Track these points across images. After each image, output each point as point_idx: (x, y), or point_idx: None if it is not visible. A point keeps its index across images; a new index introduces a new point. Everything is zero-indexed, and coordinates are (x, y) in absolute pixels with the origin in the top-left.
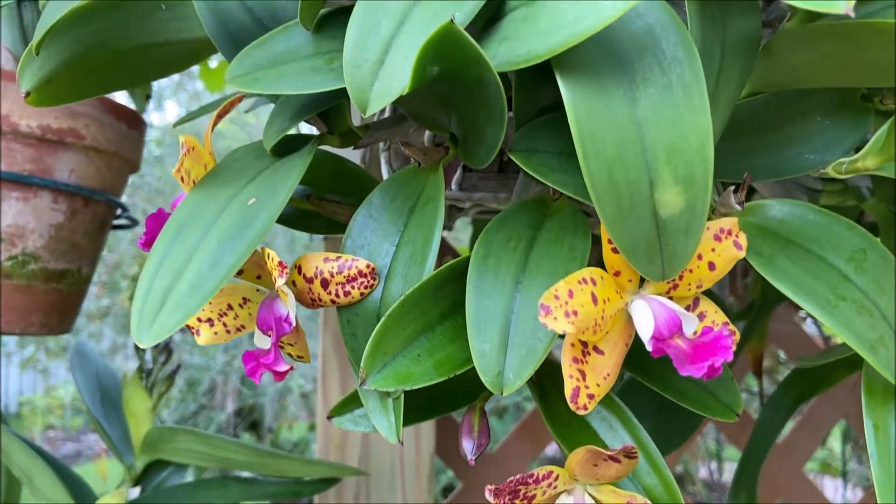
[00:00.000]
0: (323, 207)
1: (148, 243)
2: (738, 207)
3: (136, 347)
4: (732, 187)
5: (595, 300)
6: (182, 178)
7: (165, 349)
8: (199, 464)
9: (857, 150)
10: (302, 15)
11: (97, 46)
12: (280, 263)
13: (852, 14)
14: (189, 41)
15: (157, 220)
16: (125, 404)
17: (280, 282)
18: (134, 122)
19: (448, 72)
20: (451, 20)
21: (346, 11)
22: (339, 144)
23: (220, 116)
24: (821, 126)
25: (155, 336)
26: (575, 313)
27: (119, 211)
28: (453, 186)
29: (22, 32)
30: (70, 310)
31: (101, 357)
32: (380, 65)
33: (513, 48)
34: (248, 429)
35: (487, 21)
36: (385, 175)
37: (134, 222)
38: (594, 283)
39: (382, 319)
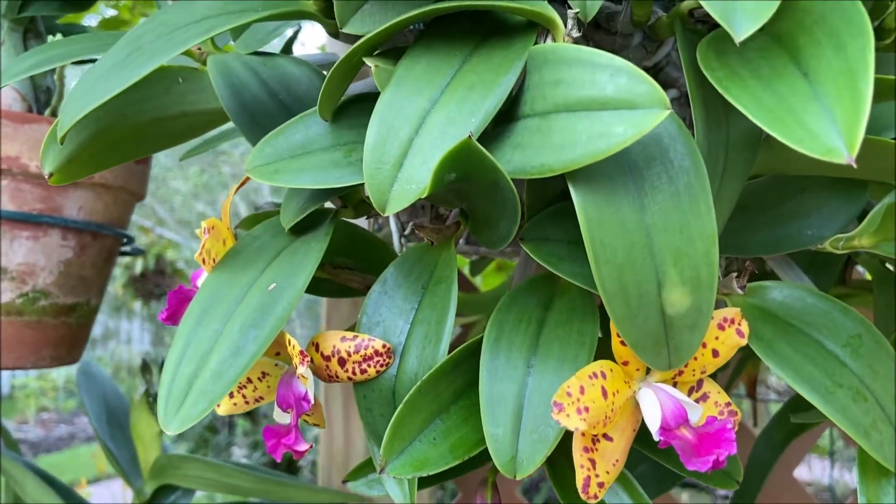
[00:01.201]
0: (337, 275)
1: (169, 318)
2: (739, 291)
3: (142, 369)
4: (735, 273)
5: (605, 394)
6: (203, 260)
7: None
8: (207, 490)
9: (861, 218)
10: (321, 108)
11: (117, 122)
12: (301, 352)
13: (854, 165)
14: (205, 112)
15: (178, 297)
16: (132, 427)
17: (301, 369)
18: (142, 159)
19: (464, 175)
20: (469, 136)
21: (361, 100)
22: (353, 216)
23: (236, 190)
24: (818, 201)
25: (181, 423)
26: (587, 409)
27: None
28: (461, 240)
29: None
30: (80, 341)
31: (108, 377)
32: (398, 167)
33: (527, 158)
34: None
35: (499, 117)
36: (396, 239)
37: (139, 252)
38: (604, 376)
39: (400, 407)
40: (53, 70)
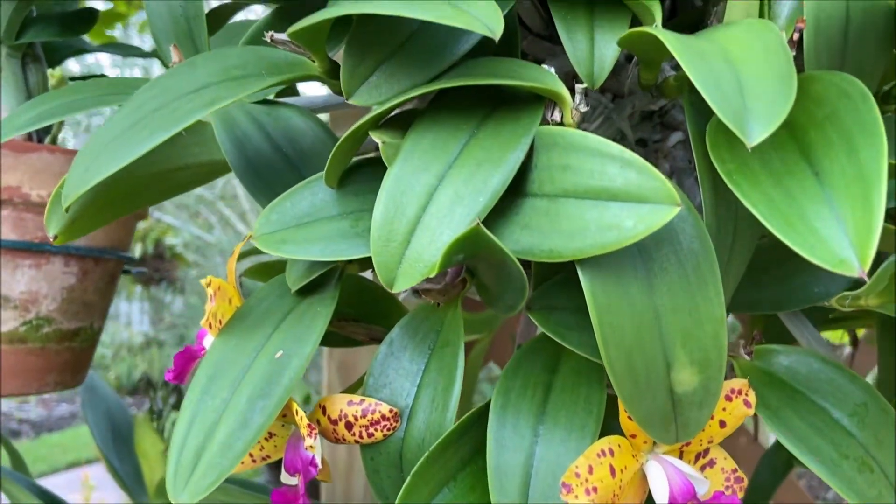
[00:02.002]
0: (342, 328)
1: (176, 377)
2: (747, 357)
3: (146, 386)
4: (742, 341)
5: (613, 472)
6: (210, 325)
7: (175, 390)
8: None
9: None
10: (327, 177)
11: (122, 178)
12: (309, 425)
13: (866, 279)
14: (207, 164)
15: (184, 357)
16: (137, 445)
17: (309, 441)
18: None
19: (472, 255)
20: (478, 224)
21: (366, 165)
22: (360, 270)
23: (239, 250)
24: None
25: (191, 496)
26: (595, 489)
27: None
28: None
29: (28, 96)
30: (83, 364)
31: (111, 393)
32: (406, 245)
33: (535, 240)
34: None
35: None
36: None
37: (142, 272)
38: (612, 453)
39: (408, 479)
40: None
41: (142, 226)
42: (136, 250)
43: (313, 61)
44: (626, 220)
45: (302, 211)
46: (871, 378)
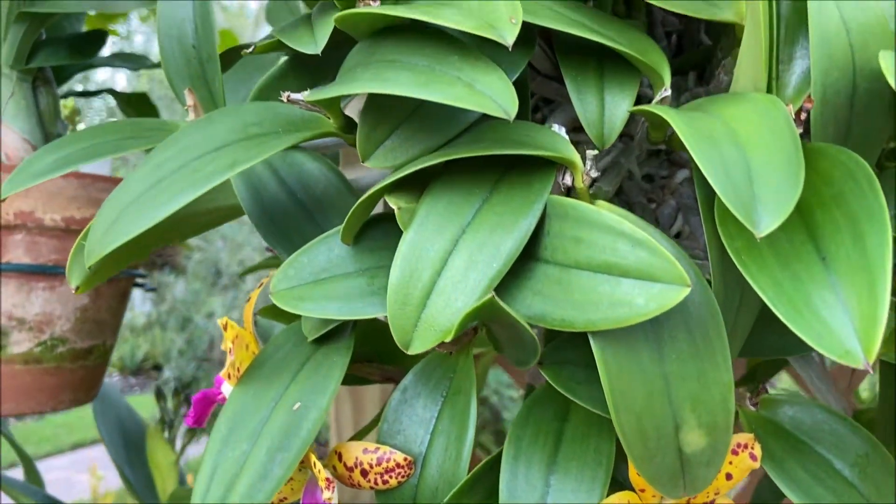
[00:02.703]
0: (357, 369)
1: (195, 422)
2: (752, 408)
3: (157, 396)
4: (749, 395)
5: None
6: (229, 375)
7: (186, 401)
8: None
9: None
10: (344, 235)
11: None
12: (327, 479)
13: (871, 371)
14: (226, 208)
15: (203, 402)
16: (149, 455)
17: (327, 493)
18: None
19: (486, 320)
20: (493, 296)
21: (380, 221)
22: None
23: (255, 297)
24: None
25: None
26: None
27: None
28: None
29: (39, 119)
30: (97, 380)
31: (123, 401)
32: (421, 308)
33: (547, 308)
34: None
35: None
36: None
37: (153, 290)
38: None
39: None
40: (62, 114)
41: None
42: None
43: (328, 118)
44: (637, 297)
45: (319, 267)
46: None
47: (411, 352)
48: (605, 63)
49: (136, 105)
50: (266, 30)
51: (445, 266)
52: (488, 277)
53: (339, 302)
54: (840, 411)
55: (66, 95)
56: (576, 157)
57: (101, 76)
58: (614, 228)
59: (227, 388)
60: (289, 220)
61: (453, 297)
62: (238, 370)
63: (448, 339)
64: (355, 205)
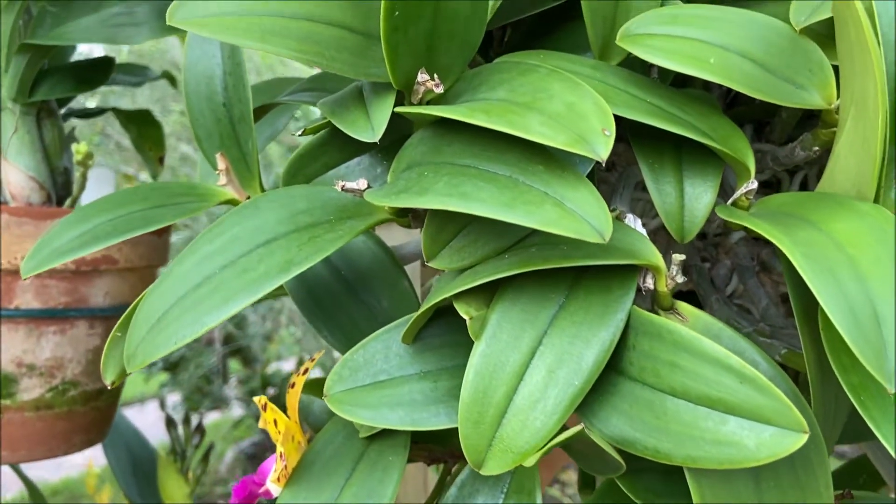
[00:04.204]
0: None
1: None
2: None
3: (167, 425)
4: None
5: None
6: (279, 479)
7: (198, 429)
8: None
9: None
10: (405, 336)
11: None
12: None
13: None
14: None
15: (244, 492)
16: (161, 486)
17: None
18: (162, 230)
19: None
20: (583, 429)
21: (441, 313)
22: None
23: (301, 386)
24: None
25: None
26: None
27: None
28: None
29: (45, 154)
30: (108, 419)
31: (132, 428)
32: (496, 427)
33: (637, 433)
34: (235, 356)
35: None
36: None
37: None
38: None
39: None
40: (70, 149)
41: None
42: (114, 182)
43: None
44: (746, 439)
45: (377, 367)
46: None
47: (485, 472)
48: (683, 147)
49: (139, 122)
50: None
51: (522, 381)
52: (570, 396)
53: (402, 410)
54: None
55: (66, 116)
56: (660, 261)
57: None
58: (719, 360)
59: (274, 488)
60: (334, 300)
61: (532, 417)
62: (287, 469)
63: (528, 464)
64: (421, 310)
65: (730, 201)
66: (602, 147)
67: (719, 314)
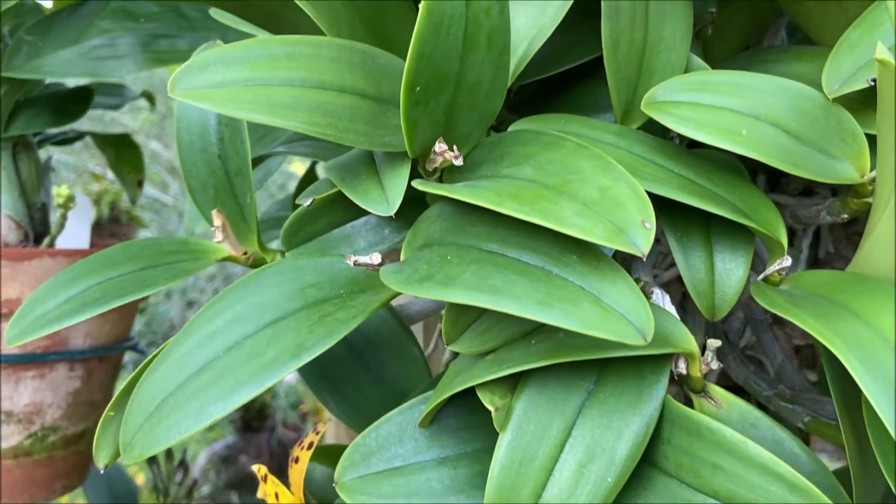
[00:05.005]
0: None
1: None
2: None
3: (148, 461)
4: None
5: None
6: None
7: (182, 465)
8: None
9: None
10: (423, 420)
11: None
12: None
13: None
14: None
15: None
16: None
17: None
18: None
19: None
20: None
21: (457, 395)
22: None
23: (307, 459)
24: None
25: None
26: None
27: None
28: None
29: (22, 191)
30: (89, 463)
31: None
32: None
33: None
34: None
35: None
36: None
37: (143, 352)
38: None
39: None
40: (48, 185)
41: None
42: (92, 214)
43: None
44: None
45: (391, 452)
46: None
47: None
48: (711, 217)
49: (117, 145)
50: None
51: (551, 477)
52: (602, 493)
53: (419, 500)
54: None
55: (40, 142)
56: (695, 348)
57: None
58: (767, 467)
59: None
60: (340, 369)
61: None
62: None
63: None
64: (441, 397)
65: (761, 276)
66: (643, 241)
67: (737, 374)
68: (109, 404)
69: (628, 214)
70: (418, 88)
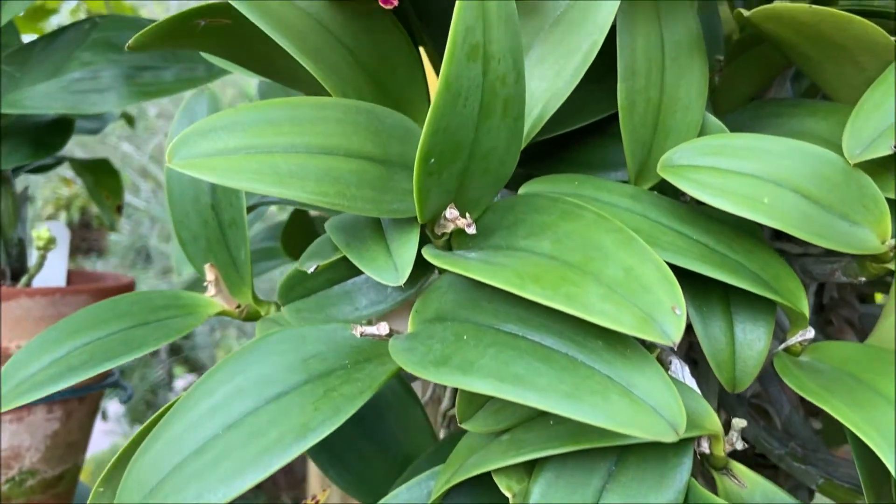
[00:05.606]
0: None
1: None
2: None
3: None
4: None
5: None
6: None
7: None
8: None
9: None
10: (433, 501)
11: None
12: None
13: None
14: None
15: None
16: None
17: None
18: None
19: None
20: None
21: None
22: None
23: None
24: None
25: None
26: None
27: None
28: None
29: None
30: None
31: (86, 488)
32: None
33: None
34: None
35: None
36: None
37: (123, 389)
38: None
39: None
40: (25, 217)
41: (66, 193)
42: (62, 219)
43: None
44: None
45: None
46: None
47: None
48: (729, 291)
49: (95, 171)
50: None
51: None
52: None
53: None
54: None
55: (16, 170)
56: (719, 427)
57: None
58: None
59: None
60: (342, 436)
61: None
62: None
63: None
64: (452, 482)
65: (782, 346)
66: (674, 329)
67: (747, 432)
68: (99, 480)
69: (657, 299)
70: (433, 160)
